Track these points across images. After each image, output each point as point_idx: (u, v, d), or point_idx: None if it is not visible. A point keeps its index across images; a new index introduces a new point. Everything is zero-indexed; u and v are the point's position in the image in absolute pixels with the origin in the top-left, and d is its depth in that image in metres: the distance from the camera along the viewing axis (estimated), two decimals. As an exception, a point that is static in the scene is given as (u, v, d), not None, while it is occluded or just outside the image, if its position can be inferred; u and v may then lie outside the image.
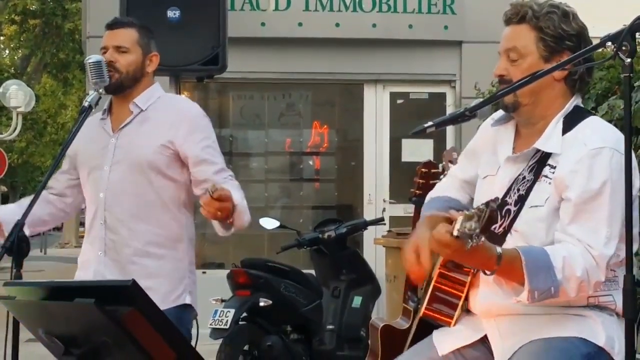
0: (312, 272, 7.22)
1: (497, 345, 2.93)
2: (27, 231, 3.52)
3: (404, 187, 6.92)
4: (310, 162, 10.74)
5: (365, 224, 7.28)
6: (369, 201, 10.02)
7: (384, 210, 9.55)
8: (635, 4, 5.77)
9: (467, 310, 3.03)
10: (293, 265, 7.07)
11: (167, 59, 4.70)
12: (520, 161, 2.95)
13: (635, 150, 3.16)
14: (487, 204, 2.50)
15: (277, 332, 6.57)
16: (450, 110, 9.69)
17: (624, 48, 2.60)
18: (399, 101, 10.28)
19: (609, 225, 2.76)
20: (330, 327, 6.87)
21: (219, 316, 6.23)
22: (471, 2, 9.88)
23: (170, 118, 3.78)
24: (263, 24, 9.80)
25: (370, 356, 4.64)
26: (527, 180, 2.90)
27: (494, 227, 2.89)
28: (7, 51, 31.92)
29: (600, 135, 2.86)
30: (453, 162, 4.14)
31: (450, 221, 2.56)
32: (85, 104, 3.72)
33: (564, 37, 2.91)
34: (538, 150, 2.91)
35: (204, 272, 9.03)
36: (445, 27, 9.94)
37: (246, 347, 6.52)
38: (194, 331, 3.87)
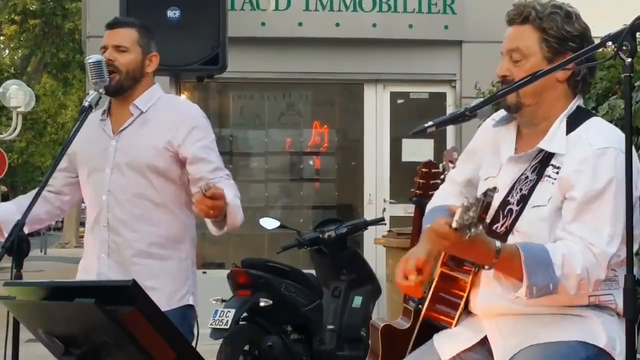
0: (313, 272, 7.22)
1: (497, 346, 2.92)
2: (24, 229, 3.52)
3: (404, 187, 6.92)
4: (311, 162, 10.74)
5: (366, 224, 7.28)
6: (369, 201, 10.02)
7: (384, 210, 9.57)
8: (636, 3, 5.76)
9: (468, 311, 3.03)
10: (293, 265, 7.07)
11: (167, 59, 4.69)
12: (522, 161, 2.95)
13: (637, 150, 3.15)
14: (484, 193, 2.51)
15: (277, 332, 6.57)
16: (450, 110, 9.69)
17: (624, 48, 2.60)
18: (399, 101, 10.28)
19: (613, 224, 2.77)
20: (331, 327, 6.87)
21: (220, 316, 6.23)
22: (471, 1, 9.88)
23: (170, 119, 3.79)
24: (263, 24, 9.80)
25: (371, 356, 4.63)
26: (530, 180, 2.90)
27: (495, 226, 2.89)
28: (7, 51, 31.94)
29: (604, 135, 2.86)
30: (453, 161, 4.14)
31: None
32: (86, 103, 3.72)
33: (567, 38, 2.91)
34: (541, 151, 2.91)
35: (204, 272, 9.04)
36: (446, 27, 9.94)
37: (246, 347, 6.52)
38: (194, 331, 3.87)
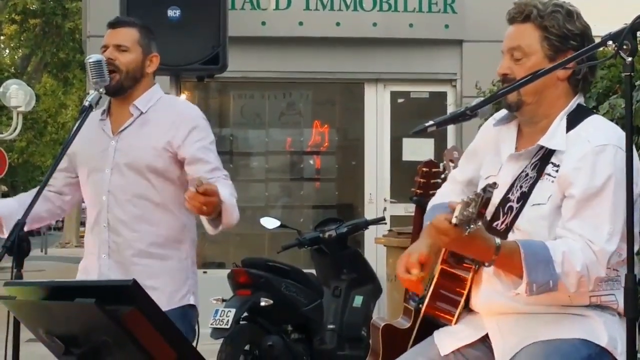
0: (313, 271, 7.22)
1: (497, 344, 2.92)
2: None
3: (404, 186, 6.92)
4: (311, 162, 10.74)
5: (366, 224, 7.28)
6: (370, 200, 10.01)
7: (384, 209, 9.58)
8: (636, 3, 5.76)
9: (468, 309, 3.03)
10: (294, 265, 7.07)
11: (167, 59, 4.70)
12: (523, 159, 2.96)
13: (637, 149, 3.15)
14: (484, 189, 2.51)
15: (277, 332, 6.56)
16: (451, 109, 9.68)
17: (625, 47, 2.61)
18: (400, 100, 10.28)
19: (612, 222, 2.77)
20: (331, 326, 6.87)
21: (220, 316, 6.22)
22: (472, 1, 9.88)
23: (170, 120, 3.79)
24: (263, 23, 9.80)
25: (371, 356, 4.63)
26: (530, 177, 2.90)
27: (496, 223, 2.90)
28: (7, 51, 31.93)
29: (603, 132, 2.87)
30: (454, 161, 4.13)
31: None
32: (86, 103, 3.72)
33: (568, 36, 2.92)
34: (541, 148, 2.92)
35: (204, 272, 9.03)
36: (446, 26, 9.94)
37: (247, 347, 6.51)
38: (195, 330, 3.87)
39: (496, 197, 2.86)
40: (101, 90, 3.73)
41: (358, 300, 6.98)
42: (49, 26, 26.77)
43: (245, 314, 6.43)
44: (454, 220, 2.50)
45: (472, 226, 2.50)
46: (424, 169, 4.72)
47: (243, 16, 9.50)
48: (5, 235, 3.59)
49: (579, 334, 2.84)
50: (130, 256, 3.74)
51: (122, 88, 3.79)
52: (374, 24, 9.88)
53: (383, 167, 10.07)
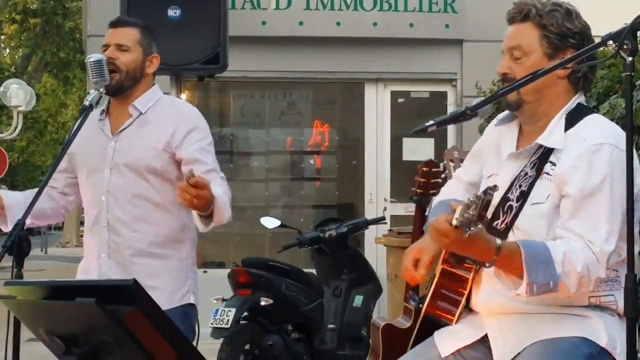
0: (313, 271, 7.22)
1: (497, 344, 2.93)
2: (28, 220, 3.52)
3: (405, 186, 6.91)
4: (311, 161, 10.74)
5: (366, 223, 7.28)
6: (370, 200, 10.01)
7: (385, 209, 9.58)
8: (636, 3, 5.76)
9: (469, 309, 3.03)
10: (294, 265, 7.07)
11: (167, 58, 4.69)
12: (522, 158, 2.96)
13: (637, 149, 3.16)
14: (485, 191, 2.51)
15: (278, 332, 6.56)
16: (451, 109, 9.69)
17: (625, 47, 2.61)
18: (400, 100, 10.27)
19: (609, 221, 2.77)
20: (332, 326, 6.87)
21: (220, 315, 6.22)
22: (472, 0, 9.88)
23: (170, 121, 3.79)
24: (264, 23, 9.80)
25: (372, 355, 4.64)
26: (529, 176, 2.91)
27: (496, 223, 2.90)
28: (7, 50, 31.92)
29: (601, 131, 2.87)
30: (454, 160, 4.14)
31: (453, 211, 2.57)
32: (86, 103, 3.72)
33: (567, 34, 2.92)
34: (540, 147, 2.92)
35: (205, 272, 9.03)
36: (446, 26, 9.93)
37: (247, 347, 6.51)
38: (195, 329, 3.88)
39: (496, 197, 2.86)
40: (101, 89, 3.74)
41: (358, 300, 6.98)
42: (50, 26, 26.76)
43: (246, 313, 6.43)
44: (454, 222, 2.50)
45: (472, 228, 2.50)
46: (424, 168, 4.72)
47: (243, 16, 9.50)
48: (7, 229, 3.60)
49: (579, 333, 2.84)
50: (130, 256, 3.75)
51: (122, 88, 3.80)
52: (374, 24, 9.88)
53: (383, 166, 10.07)
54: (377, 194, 10.01)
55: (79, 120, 3.68)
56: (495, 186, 2.62)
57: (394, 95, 10.23)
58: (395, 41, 9.91)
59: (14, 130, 15.37)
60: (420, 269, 3.02)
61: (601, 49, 2.83)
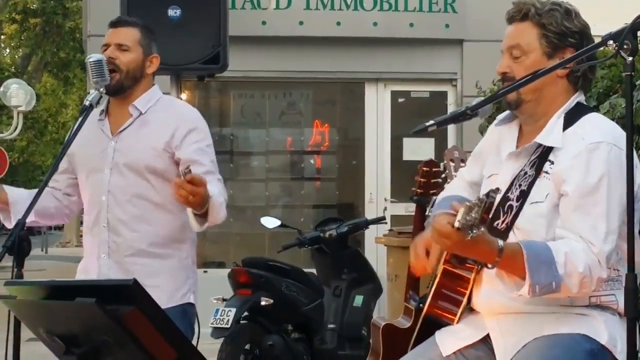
0: (313, 271, 7.22)
1: (498, 344, 2.93)
2: (31, 217, 3.52)
3: (405, 186, 6.91)
4: (311, 161, 10.74)
5: (367, 223, 7.28)
6: (370, 200, 10.02)
7: (385, 209, 9.58)
8: (636, 3, 5.76)
9: (470, 309, 3.03)
10: (294, 264, 7.07)
11: (167, 58, 4.69)
12: (522, 157, 2.96)
13: (637, 149, 3.16)
14: (487, 194, 2.51)
15: (278, 331, 6.56)
16: (451, 108, 9.69)
17: (625, 46, 2.61)
18: (400, 100, 10.28)
19: (607, 221, 2.77)
20: (332, 326, 6.87)
21: (220, 315, 6.23)
22: (472, 0, 9.88)
23: (169, 121, 3.79)
24: (264, 23, 9.80)
25: (372, 355, 4.63)
26: (529, 175, 2.91)
27: (496, 223, 2.90)
28: (7, 50, 31.93)
29: (599, 130, 2.87)
30: (454, 160, 4.14)
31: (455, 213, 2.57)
32: (86, 102, 3.72)
33: (566, 33, 2.92)
34: (539, 146, 2.92)
35: (205, 272, 9.04)
36: (447, 26, 9.94)
37: (247, 346, 6.52)
38: (194, 328, 3.88)
39: (496, 196, 2.86)
40: (101, 89, 3.74)
41: (358, 300, 6.98)
42: (50, 25, 26.76)
43: (246, 313, 6.43)
44: (456, 224, 2.49)
45: (474, 231, 2.49)
46: (425, 168, 4.72)
47: (243, 16, 9.50)
48: (11, 225, 3.60)
49: (579, 330, 2.84)
50: (130, 256, 3.75)
51: (122, 88, 3.79)
52: (375, 24, 9.88)
53: (383, 166, 10.07)
54: (378, 193, 10.01)
55: (79, 120, 3.68)
56: (497, 189, 2.61)
57: (394, 95, 10.23)
58: (396, 41, 9.92)
59: (14, 130, 15.37)
60: (432, 258, 3.00)
61: (601, 48, 2.82)
